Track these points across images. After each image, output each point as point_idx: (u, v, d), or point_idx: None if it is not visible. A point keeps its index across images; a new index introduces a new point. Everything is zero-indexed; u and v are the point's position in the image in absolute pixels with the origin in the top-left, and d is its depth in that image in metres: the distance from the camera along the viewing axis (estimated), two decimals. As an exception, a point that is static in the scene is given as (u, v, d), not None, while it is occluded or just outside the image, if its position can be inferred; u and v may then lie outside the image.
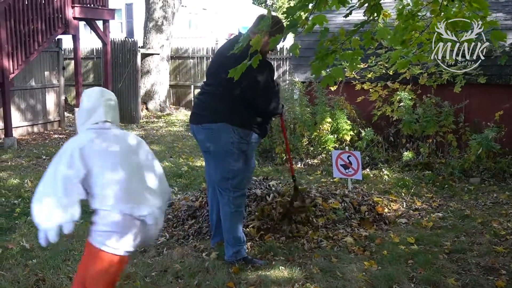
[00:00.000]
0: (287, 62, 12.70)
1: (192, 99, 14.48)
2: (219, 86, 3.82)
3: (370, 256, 4.09)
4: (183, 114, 13.83)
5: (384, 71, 7.38)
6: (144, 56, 13.58)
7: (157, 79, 13.93)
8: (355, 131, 7.47)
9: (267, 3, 38.69)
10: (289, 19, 2.64)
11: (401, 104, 7.05)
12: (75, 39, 10.50)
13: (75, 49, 10.63)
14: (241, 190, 3.92)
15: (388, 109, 7.23)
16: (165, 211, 2.92)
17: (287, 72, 12.34)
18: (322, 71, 2.98)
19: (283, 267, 3.83)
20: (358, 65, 3.14)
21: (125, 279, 3.70)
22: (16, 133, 9.93)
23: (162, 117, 13.43)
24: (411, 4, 3.20)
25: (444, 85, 6.95)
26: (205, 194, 5.01)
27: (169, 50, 14.26)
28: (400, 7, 3.17)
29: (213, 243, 4.24)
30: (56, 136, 10.64)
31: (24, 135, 10.54)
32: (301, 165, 7.44)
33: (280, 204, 4.57)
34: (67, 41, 11.67)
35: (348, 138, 7.40)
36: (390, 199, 5.53)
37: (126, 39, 13.07)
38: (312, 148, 7.62)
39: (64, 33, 10.34)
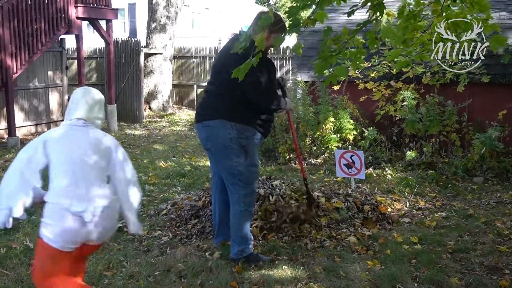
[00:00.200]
0: (290, 61, 12.69)
1: (195, 98, 14.50)
2: (220, 85, 3.83)
3: (374, 256, 4.09)
4: (186, 114, 13.84)
5: (387, 70, 7.37)
6: (147, 55, 13.59)
7: (160, 79, 13.94)
8: (358, 131, 7.46)
9: (269, 2, 38.66)
10: (291, 19, 2.63)
11: (404, 103, 7.03)
12: (78, 38, 10.51)
13: (78, 48, 10.64)
14: (250, 186, 3.90)
15: (391, 109, 7.22)
16: (135, 216, 2.91)
17: (290, 72, 12.33)
18: (325, 71, 2.97)
19: (286, 267, 3.83)
20: (361, 64, 3.13)
21: (128, 278, 3.71)
22: (19, 133, 9.96)
23: (165, 116, 13.45)
24: (413, 3, 3.19)
25: (447, 84, 6.93)
26: (208, 194, 5.02)
27: (172, 49, 14.26)
28: (401, 6, 3.15)
29: (216, 242, 4.24)
30: (59, 135, 10.64)
31: (27, 134, 10.56)
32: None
33: (287, 211, 4.53)
34: (70, 41, 11.67)
35: (351, 137, 7.38)
36: (393, 199, 5.52)
37: (129, 38, 13.09)
38: (315, 148, 7.61)
39: (67, 33, 10.35)
